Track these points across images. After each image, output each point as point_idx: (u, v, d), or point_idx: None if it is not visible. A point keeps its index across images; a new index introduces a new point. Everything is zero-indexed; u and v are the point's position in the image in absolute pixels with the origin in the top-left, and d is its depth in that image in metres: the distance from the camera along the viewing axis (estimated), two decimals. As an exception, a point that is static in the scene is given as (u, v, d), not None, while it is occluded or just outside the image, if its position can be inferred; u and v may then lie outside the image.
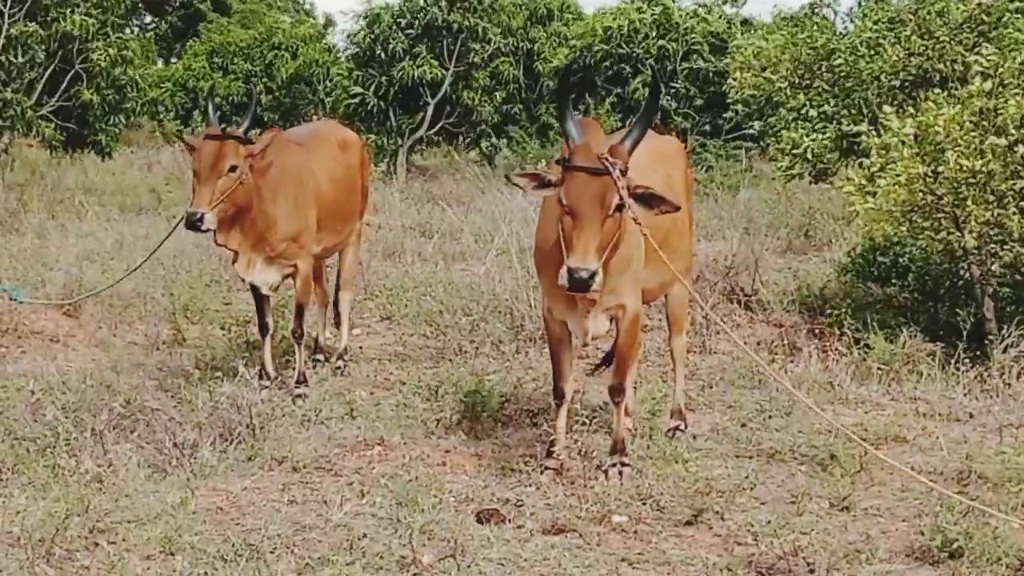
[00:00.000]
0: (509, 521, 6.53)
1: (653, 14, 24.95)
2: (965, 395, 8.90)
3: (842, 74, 11.48)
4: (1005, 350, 9.25)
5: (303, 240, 9.24)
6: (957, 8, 11.09)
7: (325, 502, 6.72)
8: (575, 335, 7.23)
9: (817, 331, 10.61)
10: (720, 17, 25.55)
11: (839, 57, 11.47)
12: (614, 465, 7.21)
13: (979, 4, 10.85)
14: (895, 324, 10.08)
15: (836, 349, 9.75)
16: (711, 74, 24.24)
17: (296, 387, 9.07)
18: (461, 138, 26.54)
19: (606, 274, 6.63)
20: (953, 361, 9.37)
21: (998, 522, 6.12)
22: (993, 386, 9.00)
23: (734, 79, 13.00)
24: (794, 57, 11.90)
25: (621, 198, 6.39)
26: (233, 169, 8.62)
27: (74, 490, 6.62)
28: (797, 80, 11.82)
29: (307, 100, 29.84)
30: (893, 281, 10.95)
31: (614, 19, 25.12)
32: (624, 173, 6.43)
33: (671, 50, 24.46)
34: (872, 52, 11.47)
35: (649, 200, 6.56)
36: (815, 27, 12.13)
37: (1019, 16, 10.23)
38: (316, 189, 9.40)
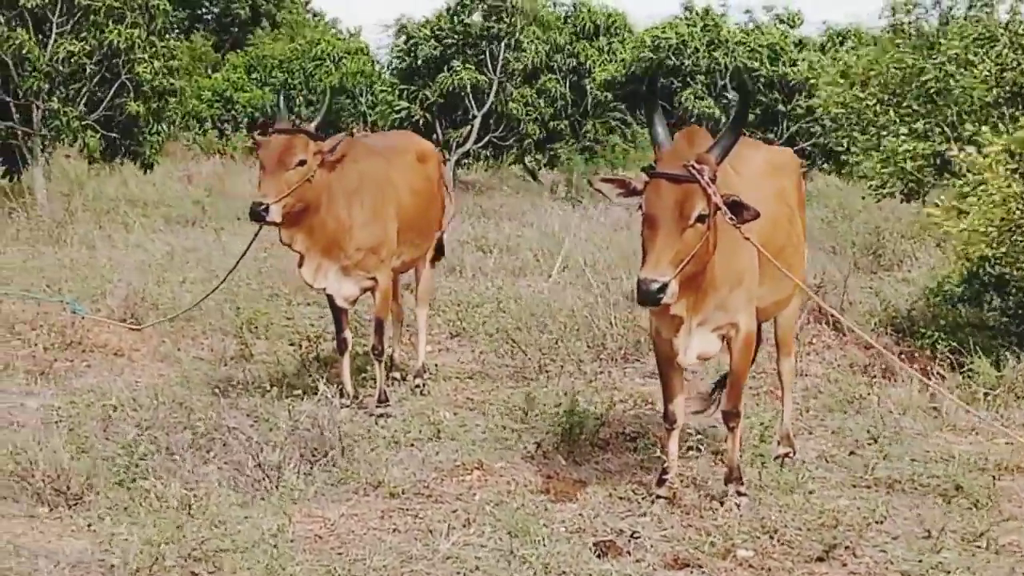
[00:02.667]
0: (628, 554, 6.12)
1: (704, 26, 24.64)
2: (1078, 423, 8.50)
3: (932, 92, 11.07)
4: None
5: (382, 252, 8.85)
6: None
7: (430, 531, 6.31)
8: (680, 353, 6.77)
9: (909, 354, 10.17)
10: (776, 32, 25.19)
11: (929, 74, 11.07)
12: (729, 494, 6.79)
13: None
14: (992, 347, 9.67)
15: (938, 373, 9.32)
16: (762, 87, 23.93)
17: (378, 407, 8.71)
18: (506, 153, 26.13)
19: (711, 287, 6.29)
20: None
21: None
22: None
23: (820, 95, 12.64)
24: (881, 73, 11.49)
25: (711, 205, 6.00)
26: (302, 163, 8.29)
27: (165, 515, 6.25)
28: (887, 97, 11.41)
29: (348, 113, 29.56)
30: (991, 303, 10.54)
31: (663, 32, 24.79)
32: (713, 181, 6.03)
33: (722, 63, 24.09)
34: (963, 69, 11.06)
35: (734, 207, 6.14)
36: (902, 44, 11.71)
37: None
38: (397, 200, 9.03)
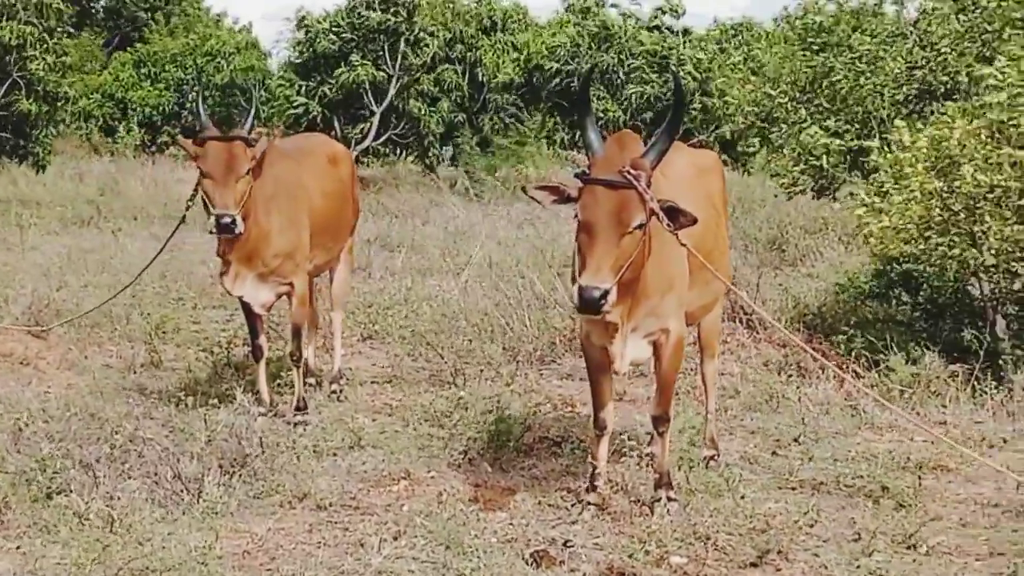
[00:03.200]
0: (563, 563, 6.05)
1: (590, 29, 24.77)
2: (992, 418, 8.58)
3: (843, 89, 11.12)
4: (1024, 371, 8.95)
5: (298, 257, 8.72)
6: (958, 19, 10.77)
7: (361, 544, 6.20)
8: (612, 360, 6.71)
9: (823, 351, 10.21)
10: (658, 31, 25.36)
11: (839, 73, 11.12)
12: (660, 500, 6.75)
13: (981, 12, 10.52)
14: (904, 344, 9.74)
15: (853, 371, 9.37)
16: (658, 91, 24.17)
17: (296, 414, 8.58)
18: (407, 149, 25.95)
19: (643, 294, 6.24)
20: (970, 382, 9.06)
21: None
22: (1016, 409, 8.68)
23: (732, 94, 12.67)
24: (793, 72, 11.54)
25: (650, 212, 5.95)
26: (248, 172, 8.19)
27: (88, 534, 6.06)
28: (797, 95, 11.46)
29: (242, 109, 29.14)
30: (900, 300, 10.63)
31: (553, 35, 24.88)
32: (648, 186, 5.97)
33: (612, 64, 24.24)
34: (872, 67, 11.13)
35: (671, 214, 6.10)
36: (813, 42, 11.75)
37: None
38: (309, 204, 8.88)
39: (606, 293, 5.82)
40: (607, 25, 25.43)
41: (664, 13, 26.30)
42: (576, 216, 6.03)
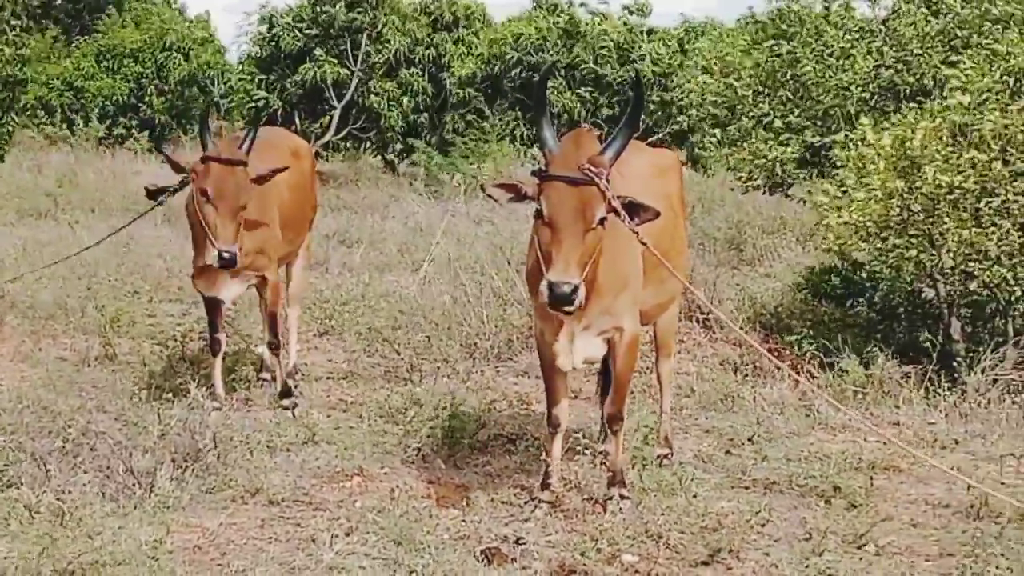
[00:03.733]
0: (514, 561, 6.05)
1: (558, 23, 24.75)
2: (944, 419, 8.63)
3: (809, 83, 11.12)
4: (982, 372, 8.98)
5: (271, 251, 8.72)
6: (929, 22, 10.80)
7: (312, 540, 6.20)
8: (563, 357, 6.71)
9: (778, 351, 10.26)
10: (624, 26, 25.38)
11: (806, 66, 11.11)
12: (612, 498, 6.76)
13: (955, 16, 10.56)
14: (859, 345, 9.79)
15: (808, 372, 9.40)
16: (617, 83, 24.18)
17: (283, 400, 8.68)
18: (367, 144, 25.88)
19: (596, 293, 6.23)
20: (923, 383, 9.11)
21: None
22: (969, 411, 8.73)
23: (695, 84, 12.66)
24: (757, 63, 11.53)
25: (610, 208, 5.98)
26: (251, 199, 8.10)
27: (38, 527, 6.02)
28: (761, 88, 11.44)
29: (201, 103, 29.06)
30: (855, 300, 10.68)
31: (523, 27, 24.84)
32: (608, 181, 6.01)
33: (580, 58, 24.26)
34: (840, 62, 11.13)
35: (632, 209, 6.12)
36: (780, 32, 11.72)
37: (997, 28, 9.95)
38: (279, 197, 8.85)
39: (576, 288, 5.84)
40: (575, 22, 25.38)
41: (631, 13, 26.30)
42: (538, 214, 6.04)
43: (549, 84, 23.63)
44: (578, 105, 23.90)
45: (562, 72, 24.09)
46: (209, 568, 5.86)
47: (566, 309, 5.99)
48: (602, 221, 5.99)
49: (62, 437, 7.28)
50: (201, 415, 7.66)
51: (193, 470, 7.05)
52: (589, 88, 24.44)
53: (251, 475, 7.01)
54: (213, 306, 8.63)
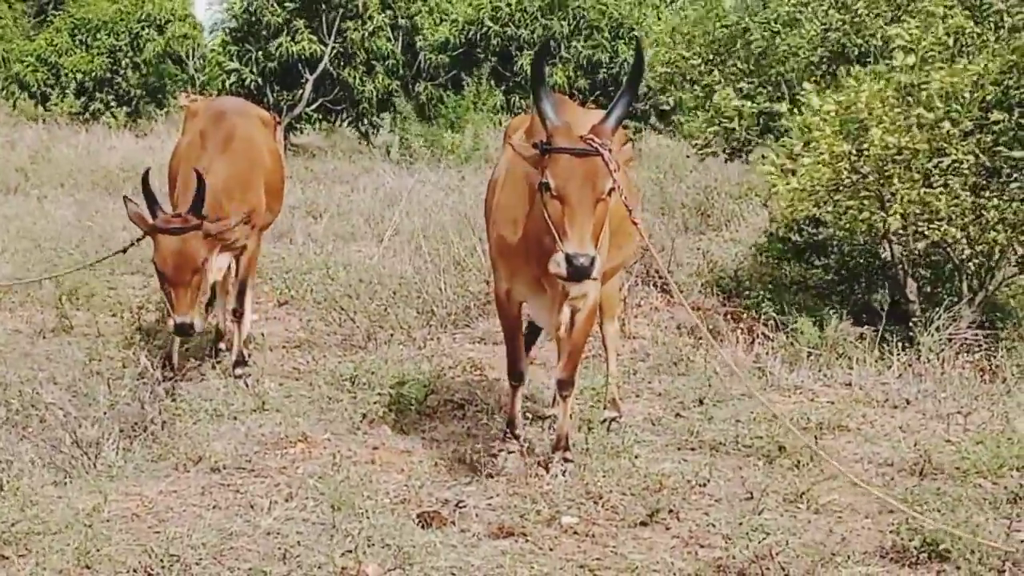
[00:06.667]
0: (453, 524, 6.06)
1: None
2: (898, 379, 8.65)
3: (758, 51, 11.13)
4: (937, 330, 9.01)
5: (255, 219, 8.64)
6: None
7: (251, 506, 6.20)
8: (543, 327, 6.74)
9: (735, 314, 10.28)
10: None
11: (754, 33, 11.13)
12: (557, 461, 6.76)
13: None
14: (815, 306, 9.82)
15: (762, 334, 9.42)
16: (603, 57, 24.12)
17: (237, 368, 8.61)
18: (341, 116, 25.77)
19: None
20: (877, 344, 9.14)
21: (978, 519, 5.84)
22: (924, 371, 8.75)
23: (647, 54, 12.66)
24: (707, 32, 11.53)
25: (613, 179, 5.99)
26: (206, 261, 7.74)
27: (-28, 496, 6.03)
28: (712, 56, 11.45)
29: (175, 77, 28.97)
30: (812, 262, 10.69)
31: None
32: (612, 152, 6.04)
33: (558, 31, 24.16)
34: (788, 28, 11.14)
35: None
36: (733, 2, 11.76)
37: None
38: (263, 166, 8.85)
39: (594, 260, 5.86)
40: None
41: None
42: (545, 187, 6.00)
43: (525, 57, 23.68)
44: (558, 77, 23.76)
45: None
46: (145, 535, 5.85)
47: (585, 281, 6.01)
48: (610, 191, 6.01)
49: (8, 408, 7.29)
50: (151, 385, 7.67)
51: (140, 440, 7.05)
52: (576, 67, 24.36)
53: (195, 443, 6.99)
54: None
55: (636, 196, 7.21)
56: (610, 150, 6.00)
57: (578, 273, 5.86)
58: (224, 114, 8.76)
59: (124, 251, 8.43)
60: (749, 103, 10.66)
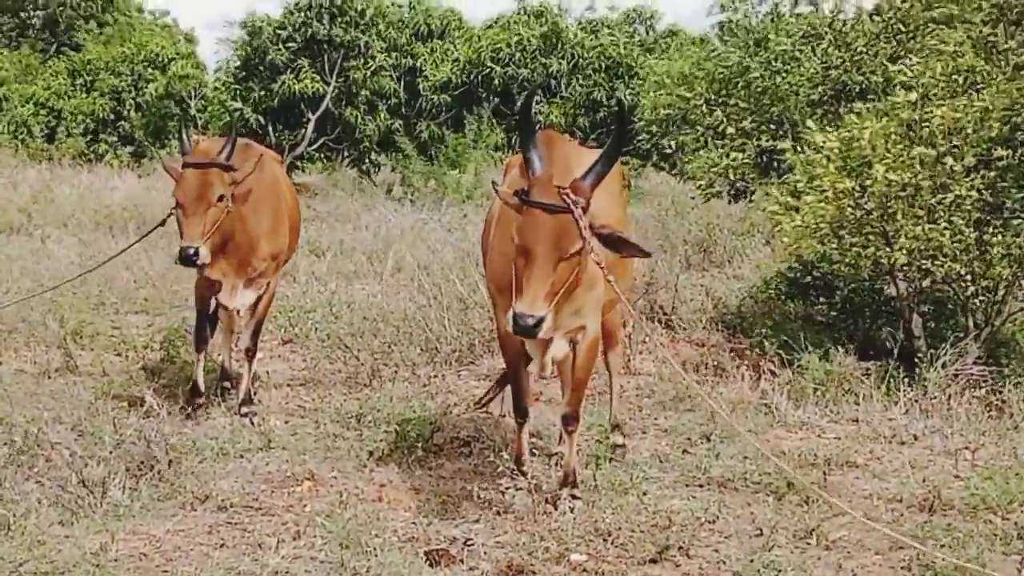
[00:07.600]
0: (461, 562, 6.04)
1: (542, 30, 24.72)
2: (904, 415, 8.62)
3: (759, 90, 11.15)
4: (943, 366, 8.99)
5: (281, 257, 8.85)
6: (872, 20, 10.84)
7: (259, 545, 6.17)
8: (533, 361, 6.73)
9: (740, 351, 10.27)
10: (619, 41, 25.22)
11: (754, 72, 11.14)
12: (564, 498, 6.74)
13: (895, 12, 10.58)
14: (820, 343, 9.80)
15: (768, 370, 9.40)
16: (601, 96, 24.19)
17: (244, 407, 8.62)
18: (342, 155, 25.83)
19: (569, 296, 6.16)
20: (885, 380, 9.11)
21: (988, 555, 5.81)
22: (931, 407, 8.73)
23: (646, 98, 12.72)
24: (708, 73, 11.54)
25: (582, 238, 5.87)
26: (221, 199, 8.06)
27: (-20, 536, 6.01)
28: (713, 97, 11.46)
29: (176, 117, 29.01)
30: (818, 299, 10.68)
31: (501, 33, 24.82)
32: (585, 211, 5.90)
33: (556, 70, 24.26)
34: (788, 67, 11.17)
35: (614, 242, 6.08)
36: (730, 41, 11.78)
37: (942, 27, 9.97)
38: (285, 201, 8.99)
39: (540, 320, 5.80)
40: (558, 29, 25.27)
41: (631, 24, 26.32)
42: (514, 239, 5.96)
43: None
44: (554, 116, 23.83)
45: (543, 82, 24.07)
46: (153, 574, 5.83)
47: (530, 338, 6.00)
48: (578, 251, 5.90)
49: (16, 449, 7.27)
50: (157, 424, 7.66)
51: (147, 479, 7.03)
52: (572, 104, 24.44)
53: (201, 482, 6.99)
54: (215, 313, 8.85)
55: (625, 218, 7.15)
56: (585, 208, 5.89)
57: (522, 332, 5.83)
58: (268, 160, 8.89)
59: (163, 223, 8.88)
60: (741, 156, 10.69)
